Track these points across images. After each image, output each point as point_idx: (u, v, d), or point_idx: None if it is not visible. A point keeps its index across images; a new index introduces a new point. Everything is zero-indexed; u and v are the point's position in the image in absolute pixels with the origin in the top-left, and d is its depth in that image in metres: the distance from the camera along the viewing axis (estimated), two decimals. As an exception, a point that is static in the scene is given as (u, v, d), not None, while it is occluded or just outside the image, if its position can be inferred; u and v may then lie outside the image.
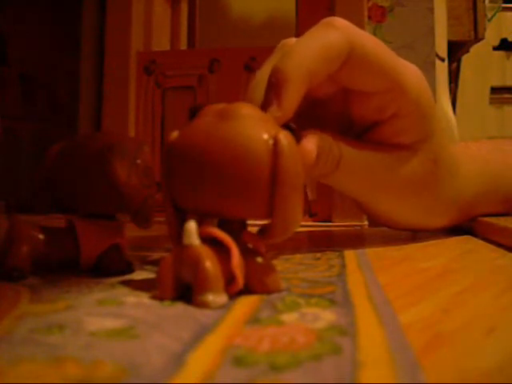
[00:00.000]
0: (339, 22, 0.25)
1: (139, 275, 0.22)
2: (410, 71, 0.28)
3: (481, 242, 0.32)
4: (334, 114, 0.30)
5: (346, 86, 0.28)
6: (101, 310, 0.16)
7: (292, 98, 0.22)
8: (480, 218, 0.35)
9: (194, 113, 0.20)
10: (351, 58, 0.25)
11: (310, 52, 0.24)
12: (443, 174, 0.31)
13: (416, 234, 0.39)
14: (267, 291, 0.18)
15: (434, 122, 0.30)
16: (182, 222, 0.18)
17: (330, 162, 0.26)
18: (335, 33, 0.25)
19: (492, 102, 2.09)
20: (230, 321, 0.15)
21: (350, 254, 0.27)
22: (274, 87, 0.22)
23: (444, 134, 0.31)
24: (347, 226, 0.50)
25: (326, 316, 0.15)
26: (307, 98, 0.25)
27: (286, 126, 0.20)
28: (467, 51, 1.57)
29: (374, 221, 0.35)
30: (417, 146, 0.29)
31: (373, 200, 0.31)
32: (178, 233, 0.18)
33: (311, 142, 0.25)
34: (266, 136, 0.18)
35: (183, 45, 0.77)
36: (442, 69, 1.27)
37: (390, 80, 0.27)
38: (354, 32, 0.25)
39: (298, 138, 0.21)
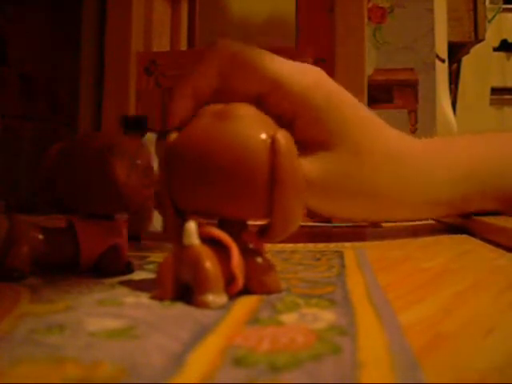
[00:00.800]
0: (221, 45, 0.31)
1: (139, 275, 0.22)
2: (292, 73, 0.32)
3: (479, 241, 0.32)
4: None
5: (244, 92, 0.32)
6: (101, 310, 0.16)
7: (174, 108, 0.30)
8: (478, 218, 0.35)
9: (126, 122, 0.21)
10: (228, 69, 0.31)
11: (195, 74, 0.31)
12: (375, 164, 0.32)
13: (416, 234, 0.39)
14: (267, 291, 0.18)
15: (341, 115, 0.32)
16: (182, 222, 0.18)
17: None
18: (213, 58, 0.31)
19: (492, 102, 2.09)
20: (230, 321, 0.15)
21: (349, 254, 0.27)
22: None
23: (370, 124, 0.33)
24: (347, 226, 0.50)
25: (326, 316, 0.15)
26: None
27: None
28: (467, 52, 1.57)
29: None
30: (333, 139, 0.31)
31: (312, 204, 0.33)
32: (178, 233, 0.18)
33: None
34: (264, 136, 0.18)
35: (183, 45, 0.77)
36: (442, 70, 1.27)
37: (266, 82, 0.31)
38: (229, 53, 0.31)
39: None
